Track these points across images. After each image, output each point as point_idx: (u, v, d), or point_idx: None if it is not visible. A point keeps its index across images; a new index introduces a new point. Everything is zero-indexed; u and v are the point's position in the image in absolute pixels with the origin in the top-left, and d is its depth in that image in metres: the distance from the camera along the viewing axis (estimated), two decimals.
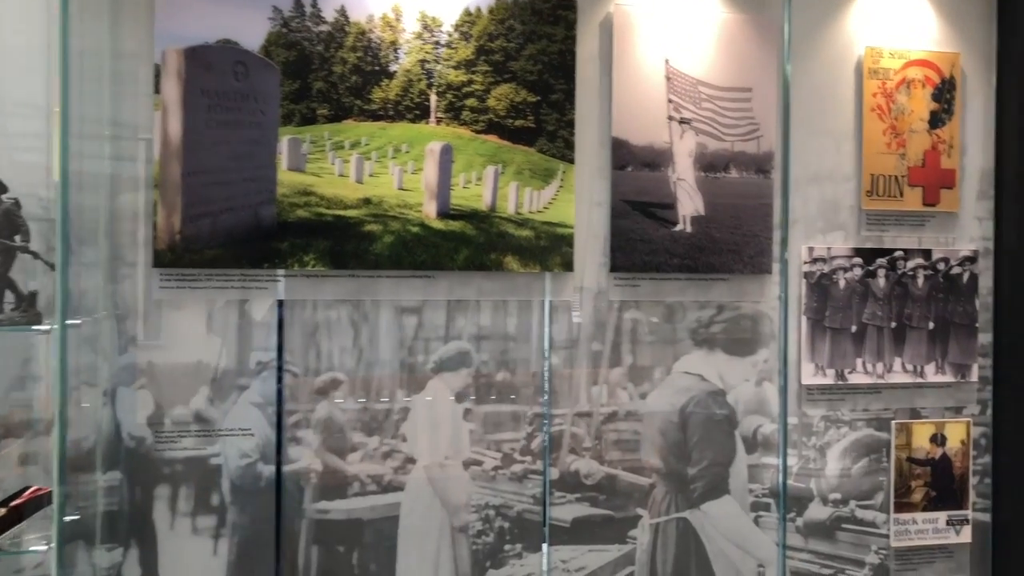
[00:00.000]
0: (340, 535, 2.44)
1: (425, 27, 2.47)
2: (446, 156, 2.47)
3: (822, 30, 2.75)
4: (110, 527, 2.30)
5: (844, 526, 2.76)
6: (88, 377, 2.28)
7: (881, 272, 2.76)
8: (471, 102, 2.50)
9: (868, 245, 2.76)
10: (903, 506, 2.79)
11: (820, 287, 2.72)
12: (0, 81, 2.20)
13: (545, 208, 2.55)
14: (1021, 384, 2.85)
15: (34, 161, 2.20)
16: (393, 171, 2.45)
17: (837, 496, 2.76)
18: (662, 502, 2.64)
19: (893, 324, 2.77)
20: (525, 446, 2.56)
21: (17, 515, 1.96)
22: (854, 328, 2.75)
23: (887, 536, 2.78)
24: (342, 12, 2.42)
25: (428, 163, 2.47)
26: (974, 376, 2.84)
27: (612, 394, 2.62)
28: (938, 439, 2.82)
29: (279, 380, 2.40)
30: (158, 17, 2.29)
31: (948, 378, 2.82)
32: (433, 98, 2.47)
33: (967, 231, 2.85)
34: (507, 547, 2.54)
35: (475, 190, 2.50)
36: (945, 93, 2.81)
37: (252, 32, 2.36)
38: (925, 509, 2.81)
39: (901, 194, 2.78)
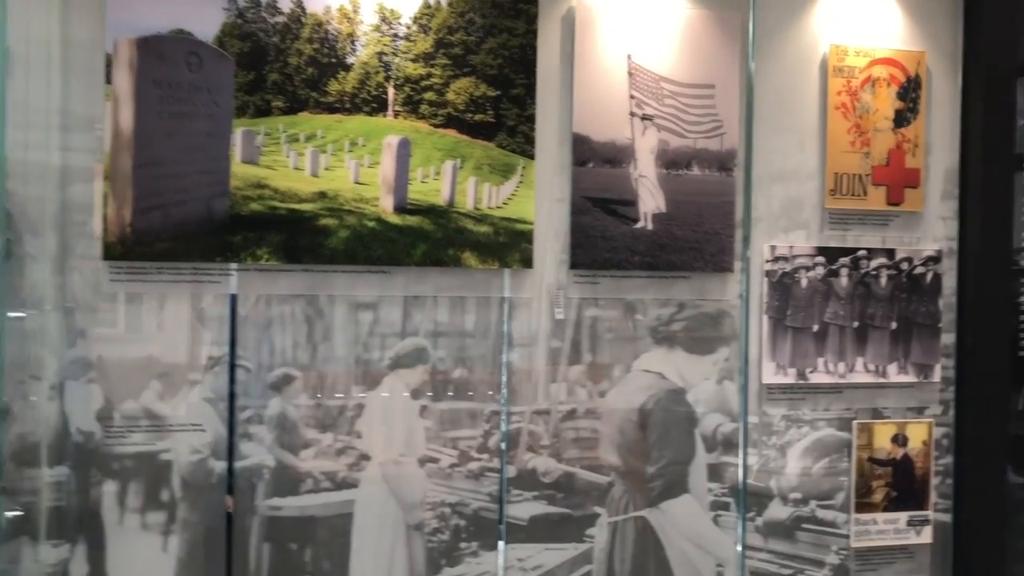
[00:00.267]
0: (293, 532, 2.42)
1: (383, 19, 2.44)
2: (404, 150, 2.45)
3: (787, 27, 2.73)
4: (57, 523, 2.27)
5: (804, 526, 2.75)
6: (35, 371, 2.25)
7: (844, 271, 2.74)
8: (430, 96, 2.47)
9: (831, 244, 2.75)
10: (864, 506, 2.78)
11: (782, 286, 2.71)
12: None
13: (504, 204, 2.53)
14: (984, 385, 2.85)
15: None
16: (349, 165, 2.42)
17: (797, 496, 2.75)
18: (620, 501, 2.63)
19: (855, 324, 2.76)
20: (482, 443, 2.54)
21: None
22: (816, 327, 2.73)
23: (847, 536, 2.77)
24: (298, 3, 2.39)
25: (385, 157, 2.44)
26: (937, 376, 2.83)
27: (571, 392, 2.60)
28: (900, 439, 2.81)
29: (231, 375, 2.37)
30: (110, 6, 2.25)
31: (910, 378, 2.81)
32: (391, 91, 2.45)
33: (931, 231, 2.84)
34: (463, 545, 2.52)
35: (433, 185, 2.48)
36: (910, 92, 2.79)
37: (206, 22, 2.33)
38: (886, 509, 2.80)
39: (865, 193, 2.76)
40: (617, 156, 2.60)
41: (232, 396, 2.37)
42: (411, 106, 2.46)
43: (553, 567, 2.58)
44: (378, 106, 2.44)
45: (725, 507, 2.70)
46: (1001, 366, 2.86)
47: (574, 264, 2.57)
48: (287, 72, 2.38)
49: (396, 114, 2.45)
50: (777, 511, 2.74)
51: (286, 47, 2.38)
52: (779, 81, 2.73)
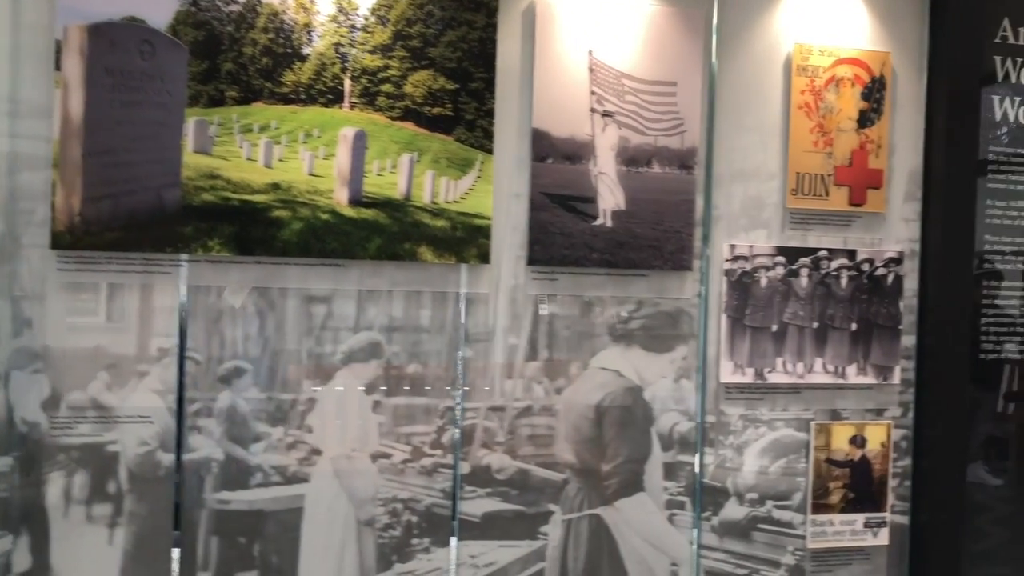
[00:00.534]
0: (241, 526, 2.40)
1: (340, 10, 2.42)
2: (359, 142, 2.43)
3: (750, 25, 2.72)
4: (0, 514, 2.24)
5: (760, 526, 2.75)
6: None
7: (804, 271, 2.73)
8: (387, 88, 2.45)
9: (792, 244, 2.74)
10: (821, 507, 2.78)
11: (741, 285, 2.70)
12: None
13: (462, 198, 2.51)
14: (943, 387, 2.84)
15: None
16: (304, 156, 2.40)
17: (754, 496, 2.74)
18: (575, 498, 2.62)
19: (815, 324, 2.75)
20: (436, 439, 2.52)
21: None
22: (775, 327, 2.72)
23: (804, 537, 2.77)
24: None
25: (340, 149, 2.42)
26: (896, 378, 2.83)
27: (527, 388, 2.59)
28: (858, 441, 2.81)
29: (180, 367, 2.35)
30: None
31: (870, 380, 2.80)
32: (347, 83, 2.42)
33: (893, 232, 2.83)
34: (414, 541, 2.51)
35: (389, 178, 2.46)
36: (875, 92, 2.78)
37: (159, 10, 2.30)
38: (843, 511, 2.80)
39: (827, 193, 2.75)
40: (577, 152, 2.58)
41: (181, 388, 2.35)
42: (368, 98, 2.43)
43: (506, 564, 2.57)
44: (334, 97, 2.42)
45: (681, 506, 2.69)
46: (961, 369, 2.85)
47: (532, 260, 2.55)
48: (242, 62, 2.36)
49: (352, 106, 2.43)
50: (733, 511, 2.73)
51: (241, 36, 2.36)
52: (742, 79, 2.71)
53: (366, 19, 2.43)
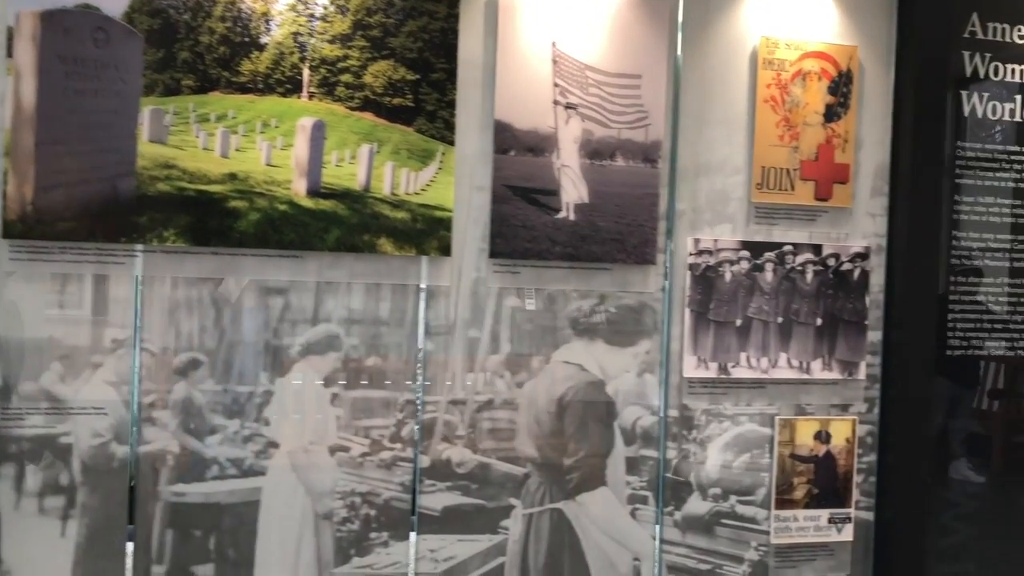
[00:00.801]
0: (197, 519, 2.38)
1: None
2: (318, 132, 2.40)
3: (716, 17, 2.70)
4: None
5: (724, 521, 2.74)
6: None
7: (769, 266, 2.72)
8: (346, 78, 2.42)
9: (757, 238, 2.73)
10: (784, 503, 2.77)
11: (705, 279, 2.68)
12: None
13: (423, 190, 2.49)
14: (909, 383, 2.84)
15: None
16: (261, 146, 2.37)
17: (717, 491, 2.73)
18: (536, 492, 2.60)
19: (779, 319, 2.74)
20: (395, 433, 2.51)
21: None
22: (739, 322, 2.71)
23: (767, 532, 2.76)
24: None
25: (299, 139, 2.40)
26: (862, 374, 2.82)
27: (489, 382, 2.57)
28: (822, 436, 2.80)
29: (135, 359, 2.33)
30: None
31: (835, 375, 2.79)
32: (306, 72, 2.40)
33: (860, 227, 2.82)
34: (373, 535, 2.49)
35: (348, 169, 2.43)
36: (841, 86, 2.77)
37: None
38: (807, 506, 2.79)
39: (792, 188, 2.74)
40: (540, 145, 2.56)
41: (136, 380, 2.33)
42: (327, 88, 2.41)
43: (466, 559, 2.55)
44: (292, 87, 2.39)
45: (643, 501, 2.68)
46: (927, 365, 2.85)
47: (494, 253, 2.54)
48: (198, 50, 2.33)
49: (311, 96, 2.40)
50: (696, 506, 2.72)
51: (197, 25, 2.33)
52: (707, 72, 2.70)
53: (325, 8, 2.41)
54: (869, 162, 2.83)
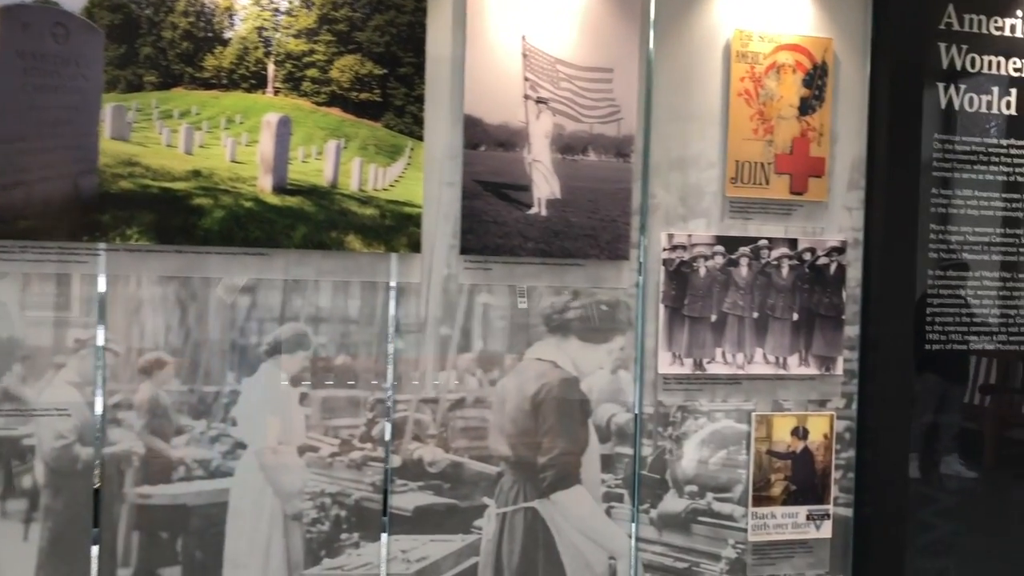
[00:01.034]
0: (164, 521, 2.34)
1: None
2: (284, 128, 2.37)
3: (688, 10, 2.67)
4: None
5: (700, 519, 2.71)
6: None
7: (744, 261, 2.69)
8: (312, 73, 2.39)
9: (731, 233, 2.70)
10: (762, 500, 2.74)
11: (680, 275, 2.65)
12: None
13: (391, 186, 2.46)
14: (887, 378, 2.81)
15: None
16: (226, 142, 2.34)
17: (693, 488, 2.70)
18: (510, 491, 2.57)
19: (755, 314, 2.71)
20: (365, 432, 2.47)
21: None
22: (714, 317, 2.68)
23: (745, 530, 2.73)
24: None
25: (264, 135, 2.36)
26: (839, 369, 2.79)
27: (460, 380, 2.54)
28: (800, 432, 2.77)
29: (99, 359, 2.29)
30: None
31: (812, 370, 2.77)
32: (271, 67, 2.37)
33: (836, 221, 2.80)
34: (344, 536, 2.46)
35: (315, 165, 2.40)
36: (816, 79, 2.74)
37: None
38: (785, 503, 2.76)
39: (767, 182, 2.71)
40: (510, 139, 2.53)
41: (100, 380, 2.29)
42: (292, 83, 2.38)
43: (438, 559, 2.52)
44: (257, 83, 2.36)
45: (619, 499, 2.65)
46: (906, 359, 2.83)
47: (464, 249, 2.50)
48: (161, 46, 2.30)
49: (276, 91, 2.37)
50: (672, 503, 2.69)
51: (160, 20, 2.30)
52: (680, 66, 2.67)
53: (290, 2, 2.37)
54: (845, 155, 2.80)
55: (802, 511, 2.78)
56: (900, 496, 2.83)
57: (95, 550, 2.31)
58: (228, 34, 2.34)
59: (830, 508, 2.80)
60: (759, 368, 2.72)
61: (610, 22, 2.58)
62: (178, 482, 2.35)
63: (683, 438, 2.70)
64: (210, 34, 2.33)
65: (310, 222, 2.39)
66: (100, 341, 2.29)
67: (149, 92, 2.29)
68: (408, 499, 2.50)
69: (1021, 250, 2.92)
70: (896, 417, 2.83)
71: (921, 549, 2.86)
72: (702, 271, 2.67)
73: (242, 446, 2.39)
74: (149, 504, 2.33)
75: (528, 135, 2.54)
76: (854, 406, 2.83)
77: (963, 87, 2.87)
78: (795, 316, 2.74)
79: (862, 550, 2.83)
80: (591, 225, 2.58)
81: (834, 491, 2.81)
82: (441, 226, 2.51)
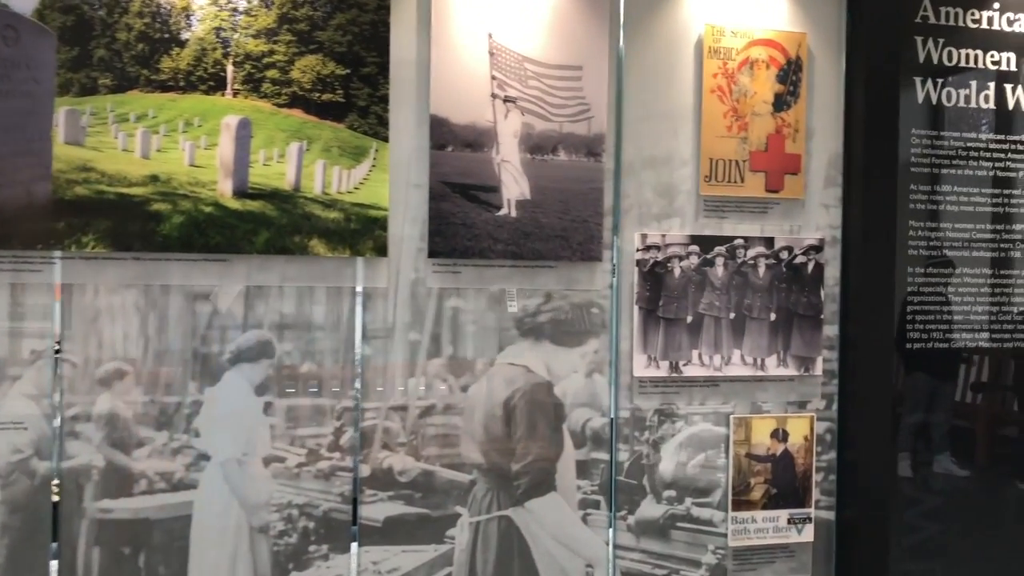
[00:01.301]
0: (125, 536, 2.28)
1: None
2: (243, 131, 2.31)
3: (659, 5, 2.62)
4: None
5: (679, 524, 2.66)
6: None
7: (719, 260, 2.64)
8: (272, 74, 2.33)
9: (706, 232, 2.65)
10: (742, 504, 2.69)
11: (654, 275, 2.60)
12: None
13: (356, 189, 2.40)
14: (868, 378, 2.77)
15: None
16: (184, 146, 2.28)
17: (672, 493, 2.65)
18: (483, 500, 2.51)
19: (732, 315, 2.66)
20: (333, 442, 2.41)
21: None
22: (690, 319, 2.63)
23: (725, 535, 2.68)
24: None
25: (223, 138, 2.30)
26: (819, 370, 2.74)
27: (430, 387, 2.49)
28: (779, 435, 2.72)
29: (56, 370, 2.23)
30: None
31: (791, 371, 2.72)
32: (230, 69, 2.31)
33: (813, 219, 2.75)
34: (312, 548, 2.40)
35: (277, 168, 2.34)
36: (791, 75, 2.69)
37: None
38: (765, 507, 2.71)
39: (742, 180, 2.67)
40: (478, 140, 2.48)
41: (57, 392, 2.23)
42: (252, 85, 2.32)
43: (410, 570, 2.46)
44: (216, 84, 2.30)
45: (595, 505, 2.59)
46: (886, 358, 2.78)
47: (433, 252, 2.45)
48: (115, 48, 2.24)
49: (236, 93, 2.31)
50: (650, 509, 2.64)
51: (114, 21, 2.24)
52: (651, 62, 2.62)
53: (249, 2, 2.32)
54: (821, 152, 2.76)
55: (783, 515, 2.72)
56: (883, 498, 2.77)
57: (54, 566, 2.24)
58: (185, 35, 2.28)
59: (812, 511, 2.75)
60: (737, 370, 2.67)
61: (579, 18, 2.53)
62: (140, 495, 2.29)
63: (660, 442, 2.64)
64: (166, 35, 2.27)
65: (272, 227, 2.33)
66: (57, 352, 2.23)
67: (104, 95, 2.23)
68: (378, 509, 2.44)
69: (1003, 246, 2.88)
70: (878, 417, 2.77)
71: (906, 551, 2.80)
72: (677, 271, 2.62)
73: (205, 457, 2.32)
74: (110, 519, 2.27)
75: (496, 135, 2.49)
76: (834, 407, 2.78)
77: (940, 81, 2.82)
78: (773, 316, 2.69)
79: (845, 554, 2.78)
80: (562, 226, 2.53)
81: (815, 494, 2.75)
82: (408, 229, 2.45)
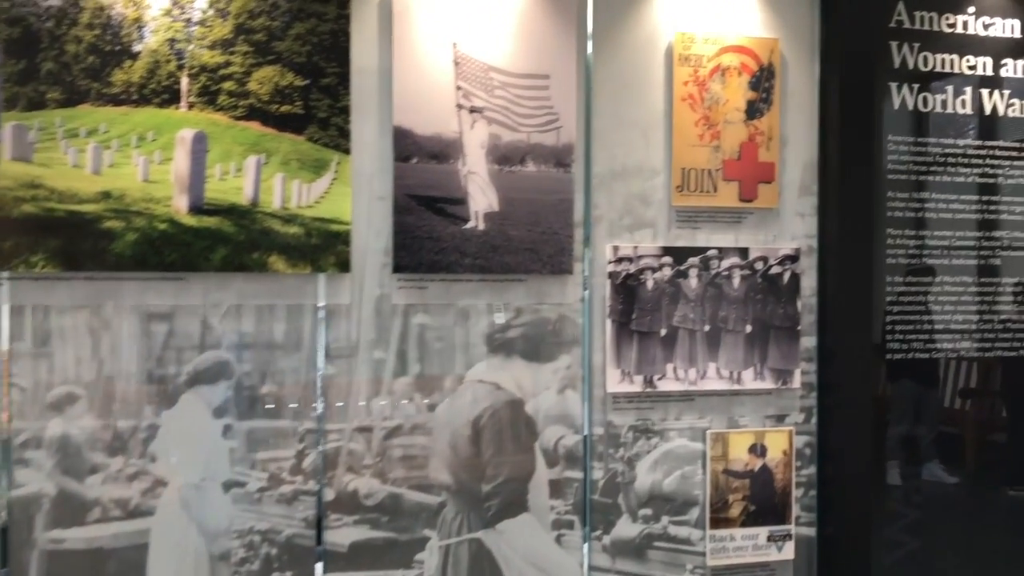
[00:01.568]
0: (79, 567, 2.20)
1: (175, 3, 2.23)
2: (199, 145, 2.24)
3: (627, 13, 2.56)
4: None
5: (656, 544, 2.58)
6: None
7: (693, 272, 2.58)
8: (229, 85, 2.27)
9: (679, 243, 2.58)
10: (720, 521, 2.62)
11: (626, 288, 2.54)
12: None
13: (317, 203, 2.33)
14: (848, 390, 2.70)
15: None
16: (137, 161, 2.21)
17: (648, 512, 2.58)
18: (453, 522, 2.44)
19: (707, 327, 2.60)
20: (295, 465, 2.34)
21: None
22: (664, 332, 2.57)
23: (703, 554, 2.61)
24: None
25: (178, 152, 2.23)
26: (797, 382, 2.68)
27: (397, 406, 2.41)
28: (757, 449, 2.65)
29: (4, 395, 2.14)
30: None
31: (768, 384, 2.65)
32: (184, 81, 2.24)
33: (788, 228, 2.69)
34: (275, 575, 2.31)
35: (234, 182, 2.27)
36: (763, 81, 2.64)
37: None
38: (744, 524, 2.64)
39: (715, 189, 2.61)
40: (444, 151, 2.41)
41: (6, 418, 2.14)
42: (208, 97, 2.25)
43: None
44: (170, 97, 2.23)
45: (569, 526, 2.52)
46: (866, 370, 2.72)
47: (398, 267, 2.38)
48: (64, 61, 2.17)
49: (191, 106, 2.24)
50: (626, 529, 2.56)
51: (62, 33, 2.17)
52: (620, 71, 2.56)
53: (204, 12, 2.25)
54: (796, 160, 2.70)
55: (763, 532, 2.65)
56: (866, 513, 2.71)
57: None
58: (137, 47, 2.21)
59: (792, 528, 2.68)
60: (713, 384, 2.61)
61: (546, 26, 2.47)
62: (93, 524, 2.21)
63: (635, 459, 2.57)
64: (118, 47, 2.20)
65: (230, 243, 2.25)
66: (5, 376, 2.15)
67: (53, 110, 2.16)
68: (343, 534, 2.36)
69: (983, 253, 2.82)
70: (860, 429, 2.71)
71: (889, 567, 2.74)
72: (650, 284, 2.55)
73: (162, 483, 2.24)
74: (62, 549, 2.19)
75: (462, 146, 2.42)
76: (814, 420, 2.72)
77: (917, 87, 2.78)
78: (748, 328, 2.63)
79: (827, 571, 2.71)
80: (532, 239, 2.46)
81: (795, 510, 2.69)
82: (372, 243, 2.39)
